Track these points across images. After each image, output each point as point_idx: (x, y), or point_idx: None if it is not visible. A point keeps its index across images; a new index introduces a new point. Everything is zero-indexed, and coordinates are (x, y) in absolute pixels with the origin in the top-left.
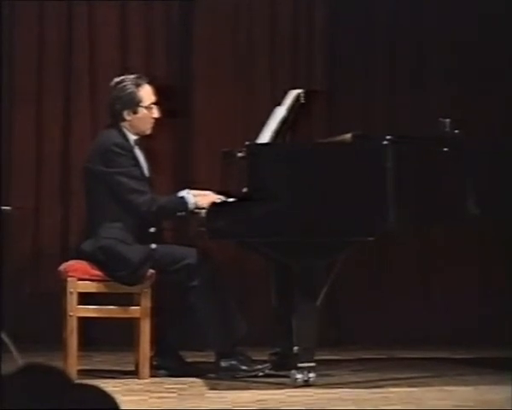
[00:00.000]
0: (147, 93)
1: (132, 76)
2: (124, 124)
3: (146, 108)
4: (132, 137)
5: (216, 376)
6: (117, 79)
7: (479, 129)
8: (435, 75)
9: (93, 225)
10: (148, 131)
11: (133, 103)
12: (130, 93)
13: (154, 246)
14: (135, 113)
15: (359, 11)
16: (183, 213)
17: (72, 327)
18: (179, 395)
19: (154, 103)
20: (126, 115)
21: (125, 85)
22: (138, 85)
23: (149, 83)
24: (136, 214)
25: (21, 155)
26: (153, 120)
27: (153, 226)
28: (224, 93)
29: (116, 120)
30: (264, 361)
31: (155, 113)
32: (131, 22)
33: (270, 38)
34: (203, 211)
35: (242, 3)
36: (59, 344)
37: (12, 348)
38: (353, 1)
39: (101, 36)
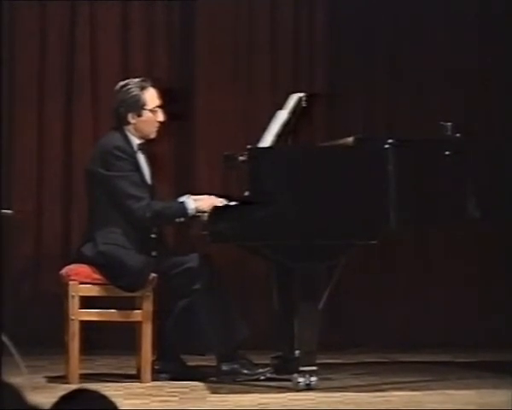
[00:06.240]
0: (151, 96)
1: (137, 79)
2: (128, 127)
3: (150, 111)
4: (136, 142)
5: (217, 380)
6: (121, 83)
7: (479, 131)
8: (436, 78)
9: (93, 229)
10: (153, 135)
11: (137, 106)
12: (135, 96)
13: (154, 253)
14: (139, 116)
15: (360, 15)
16: (182, 219)
17: (74, 331)
18: (181, 398)
19: (158, 106)
20: (131, 118)
21: (129, 89)
22: (143, 88)
23: (153, 86)
24: (132, 220)
25: (23, 157)
26: (157, 124)
27: (152, 232)
28: (226, 96)
29: (120, 124)
30: (266, 365)
31: (160, 116)
32: (133, 23)
33: (272, 41)
34: (205, 215)
35: (243, 6)
36: (61, 348)
37: (13, 351)
38: (354, 4)
39: (102, 37)
